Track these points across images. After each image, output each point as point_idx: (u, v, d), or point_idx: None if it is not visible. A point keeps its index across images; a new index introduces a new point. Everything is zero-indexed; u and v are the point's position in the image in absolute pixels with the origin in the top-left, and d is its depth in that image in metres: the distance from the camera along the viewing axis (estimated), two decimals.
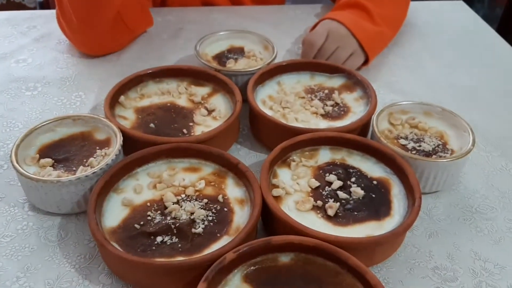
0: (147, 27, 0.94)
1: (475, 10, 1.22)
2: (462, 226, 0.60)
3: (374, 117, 0.67)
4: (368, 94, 0.72)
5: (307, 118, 0.69)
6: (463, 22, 1.06)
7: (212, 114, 0.70)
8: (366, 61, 0.86)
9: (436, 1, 1.14)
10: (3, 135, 0.70)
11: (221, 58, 0.81)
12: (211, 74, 0.74)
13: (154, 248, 0.50)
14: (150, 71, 0.74)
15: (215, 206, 0.55)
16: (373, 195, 0.57)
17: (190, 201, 0.56)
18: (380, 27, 0.88)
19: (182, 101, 0.72)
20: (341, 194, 0.57)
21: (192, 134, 0.66)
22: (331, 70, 0.78)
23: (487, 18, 1.81)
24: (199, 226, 0.53)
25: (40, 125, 0.62)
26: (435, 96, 0.81)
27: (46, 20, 0.97)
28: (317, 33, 0.84)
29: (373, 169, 0.61)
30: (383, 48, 0.91)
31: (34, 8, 1.67)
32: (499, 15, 1.71)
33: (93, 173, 0.56)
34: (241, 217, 0.54)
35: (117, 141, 0.60)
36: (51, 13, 0.99)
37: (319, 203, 0.56)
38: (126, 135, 0.62)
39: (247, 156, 0.69)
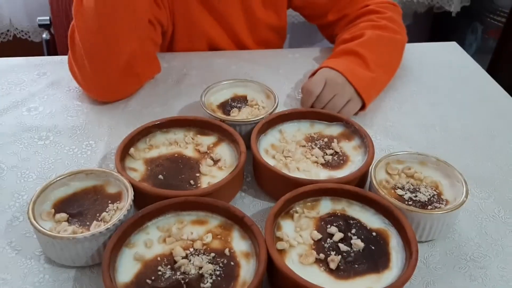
0: (155, 74, 0.98)
1: (468, 42, 1.27)
2: (458, 275, 0.63)
3: (372, 167, 0.70)
4: (366, 144, 0.75)
5: (308, 167, 0.73)
6: (457, 64, 1.10)
7: (217, 164, 0.73)
8: (363, 106, 0.90)
9: (430, 43, 1.18)
10: (17, 186, 0.73)
11: (225, 106, 0.85)
12: (216, 124, 0.78)
13: None
14: (158, 123, 0.77)
15: (222, 260, 0.58)
16: (373, 247, 0.60)
17: (198, 255, 0.59)
18: (376, 73, 0.92)
19: (189, 151, 0.75)
20: (342, 247, 0.60)
21: (199, 185, 0.69)
22: (330, 118, 0.81)
23: (480, 51, 1.87)
24: (207, 281, 0.55)
25: (55, 180, 0.65)
26: (430, 141, 0.85)
27: (56, 66, 1.02)
28: (315, 81, 0.88)
29: (372, 220, 0.64)
30: (379, 93, 0.95)
31: (40, 43, 1.71)
32: (493, 47, 1.76)
33: (107, 229, 0.59)
34: (247, 271, 0.57)
35: (129, 196, 0.63)
36: (61, 59, 1.04)
37: (322, 256, 0.59)
38: (136, 189, 0.65)
39: (251, 204, 0.72)
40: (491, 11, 1.89)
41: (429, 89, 1.00)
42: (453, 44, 1.18)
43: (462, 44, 1.18)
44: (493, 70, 1.07)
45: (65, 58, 1.02)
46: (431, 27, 2.12)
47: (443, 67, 1.09)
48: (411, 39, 1.08)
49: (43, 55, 1.52)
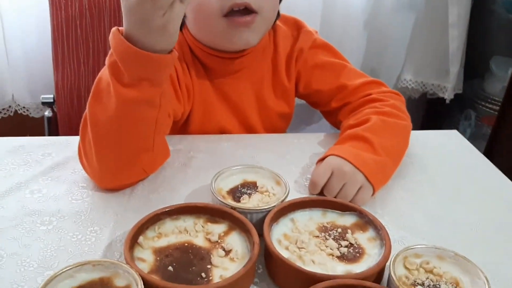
0: (163, 163, 0.97)
1: (462, 129, 1.30)
2: None
3: (390, 262, 0.68)
4: (382, 236, 0.73)
5: (324, 260, 0.70)
6: (459, 153, 1.12)
7: (229, 255, 0.70)
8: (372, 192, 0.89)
9: (431, 131, 1.21)
10: (17, 275, 0.69)
11: (235, 193, 0.83)
12: (228, 212, 0.76)
13: None
14: (168, 209, 0.75)
15: None
16: None
17: None
18: (383, 157, 0.93)
19: (199, 241, 0.73)
20: None
21: (211, 278, 0.66)
22: (342, 207, 0.80)
23: (474, 137, 1.91)
24: None
25: (60, 272, 0.62)
26: (441, 234, 0.83)
27: (61, 147, 1.00)
28: (320, 172, 0.89)
29: None
30: (388, 179, 0.95)
31: (40, 120, 1.72)
32: (487, 133, 1.80)
33: None
34: None
35: None
36: (66, 140, 1.03)
37: None
38: (145, 282, 0.62)
39: None
40: (483, 99, 1.96)
41: (434, 179, 1.00)
42: (454, 132, 1.20)
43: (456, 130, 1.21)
44: (488, 156, 1.08)
45: (70, 138, 1.03)
46: (425, 113, 2.19)
47: (446, 155, 1.10)
48: None
49: (43, 131, 1.52)
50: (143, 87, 0.79)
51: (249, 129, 1.15)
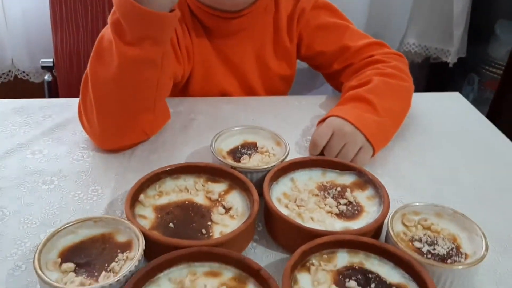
0: (164, 125, 0.97)
1: (465, 93, 1.29)
2: None
3: (388, 219, 0.69)
4: (381, 194, 0.74)
5: (323, 217, 0.71)
6: (461, 114, 1.11)
7: (229, 212, 0.71)
8: (372, 153, 0.89)
9: (433, 93, 1.20)
10: (20, 232, 0.70)
11: (235, 153, 0.83)
12: (228, 171, 0.76)
13: None
14: (168, 169, 0.76)
15: None
16: None
17: None
18: (384, 119, 0.92)
19: (200, 199, 0.73)
20: None
21: (211, 234, 0.67)
22: (342, 167, 0.80)
23: (477, 102, 1.90)
24: None
25: (62, 228, 0.63)
26: (441, 193, 0.84)
27: (62, 109, 1.00)
28: (321, 133, 0.89)
29: (391, 274, 0.62)
30: (389, 140, 0.94)
31: (40, 84, 1.71)
32: (490, 98, 1.79)
33: (117, 281, 0.56)
34: None
35: (139, 245, 0.61)
36: (67, 102, 1.03)
37: None
38: (147, 237, 0.63)
39: (263, 255, 0.70)
40: (487, 63, 1.94)
41: (435, 140, 1.00)
42: (457, 95, 1.19)
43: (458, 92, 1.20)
44: (491, 121, 1.07)
45: (71, 100, 1.02)
46: (428, 77, 2.17)
47: (448, 117, 1.09)
48: None
49: (43, 96, 1.51)
50: (145, 45, 0.78)
51: (250, 92, 1.14)
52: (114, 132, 0.86)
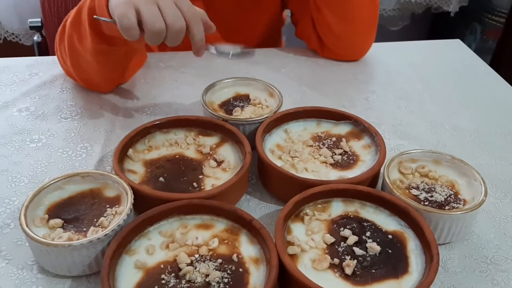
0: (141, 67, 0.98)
1: (467, 43, 1.24)
2: (479, 279, 0.59)
3: (384, 167, 0.67)
4: (377, 143, 0.72)
5: (317, 168, 0.69)
6: (461, 61, 1.08)
7: (221, 165, 0.69)
8: None
9: (433, 40, 1.16)
10: (8, 191, 0.68)
11: (227, 106, 0.81)
12: (219, 124, 0.74)
13: None
14: (158, 122, 0.73)
15: (230, 266, 0.54)
16: (390, 251, 0.57)
17: (204, 261, 0.55)
18: None
19: (191, 153, 0.71)
20: (358, 251, 0.56)
21: (203, 187, 0.65)
22: (337, 117, 0.78)
23: (479, 51, 1.85)
24: None
25: (48, 184, 0.61)
26: (439, 141, 0.82)
27: (49, 67, 0.97)
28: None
29: (387, 222, 0.60)
30: None
31: (32, 47, 1.67)
32: (492, 47, 1.74)
33: (105, 235, 0.55)
34: (257, 278, 0.53)
35: (128, 199, 0.59)
36: (53, 60, 0.99)
37: (336, 261, 0.55)
38: (136, 192, 0.61)
39: (257, 207, 0.69)
40: (489, 11, 1.88)
41: (435, 87, 0.97)
42: (457, 42, 1.15)
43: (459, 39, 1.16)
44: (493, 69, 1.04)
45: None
46: (429, 27, 2.10)
47: (448, 64, 1.06)
48: (410, 40, 1.05)
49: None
50: (118, 41, 0.75)
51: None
52: (87, 80, 0.89)
